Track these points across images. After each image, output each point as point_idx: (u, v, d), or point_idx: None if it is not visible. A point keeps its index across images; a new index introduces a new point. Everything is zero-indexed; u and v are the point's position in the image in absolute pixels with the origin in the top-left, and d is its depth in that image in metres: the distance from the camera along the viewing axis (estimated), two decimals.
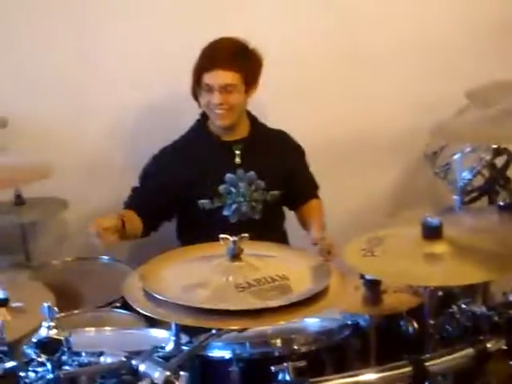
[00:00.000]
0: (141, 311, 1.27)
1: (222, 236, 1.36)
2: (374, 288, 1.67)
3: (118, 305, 2.11)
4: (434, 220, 1.53)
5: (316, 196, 2.54)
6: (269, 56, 2.35)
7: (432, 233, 1.54)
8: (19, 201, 2.47)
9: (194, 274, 1.38)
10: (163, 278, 1.34)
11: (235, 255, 1.36)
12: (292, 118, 2.61)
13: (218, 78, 2.23)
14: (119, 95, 2.64)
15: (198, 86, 2.30)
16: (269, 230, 2.29)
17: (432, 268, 1.53)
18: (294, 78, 2.72)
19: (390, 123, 2.87)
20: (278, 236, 2.40)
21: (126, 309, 2.05)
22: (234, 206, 2.35)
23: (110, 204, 2.46)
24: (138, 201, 2.35)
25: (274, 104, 2.66)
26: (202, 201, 2.34)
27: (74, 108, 2.63)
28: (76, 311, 2.00)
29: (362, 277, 1.67)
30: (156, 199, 2.33)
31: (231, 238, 1.35)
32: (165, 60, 2.62)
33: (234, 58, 2.24)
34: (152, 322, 1.96)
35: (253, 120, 2.45)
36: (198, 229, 2.37)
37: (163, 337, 1.73)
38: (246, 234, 1.37)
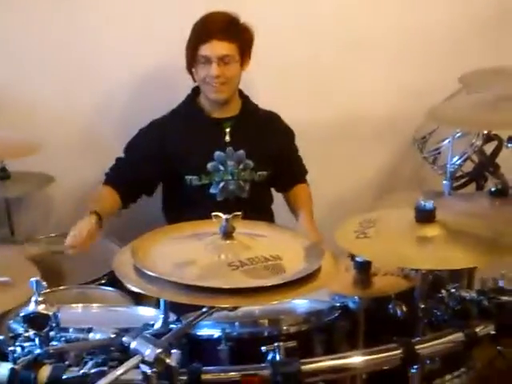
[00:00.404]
0: (131, 288, 1.25)
1: (214, 214, 1.35)
2: (364, 270, 1.67)
3: (103, 281, 2.10)
4: (427, 204, 1.52)
5: (304, 181, 2.54)
6: (258, 38, 2.32)
7: (425, 216, 1.54)
8: (4, 175, 2.44)
9: (186, 252, 1.36)
10: (154, 255, 1.32)
11: (227, 233, 1.34)
12: (281, 99, 2.59)
13: (215, 48, 2.21)
14: (108, 70, 2.60)
15: (193, 61, 2.27)
16: (256, 209, 2.27)
17: (424, 251, 1.52)
18: (283, 59, 2.70)
19: (378, 107, 2.88)
20: (265, 216, 2.39)
21: (111, 286, 2.04)
22: (221, 184, 2.34)
23: (97, 180, 2.43)
24: (120, 173, 2.35)
25: (264, 86, 2.63)
26: (190, 177, 2.32)
27: (61, 83, 2.59)
28: (61, 287, 1.97)
29: (353, 258, 1.67)
30: (139, 172, 2.31)
31: (224, 216, 1.33)
32: (156, 34, 2.58)
33: (228, 29, 2.22)
34: (138, 300, 1.96)
35: (244, 99, 2.43)
36: (184, 205, 2.36)
37: (150, 315, 1.73)
38: (239, 212, 1.35)
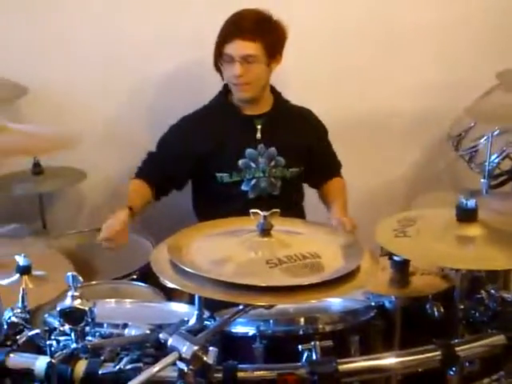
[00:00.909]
0: (169, 284, 1.24)
1: (252, 210, 1.33)
2: (401, 269, 1.64)
3: (134, 277, 2.10)
4: (469, 202, 1.49)
5: (339, 175, 2.51)
6: (292, 32, 2.29)
7: (467, 215, 1.50)
8: (37, 170, 2.45)
9: (223, 248, 1.34)
10: (191, 251, 1.31)
11: (265, 230, 1.32)
12: (312, 96, 2.57)
13: (238, 48, 2.18)
14: (139, 66, 2.61)
15: (220, 58, 2.25)
16: (287, 206, 2.23)
17: (465, 251, 1.49)
18: (315, 55, 2.68)
19: (411, 103, 2.84)
20: (296, 213, 2.37)
21: (142, 281, 2.04)
22: (252, 182, 2.32)
23: (127, 175, 2.43)
24: (152, 167, 2.35)
25: (296, 82, 2.61)
26: (221, 174, 2.31)
27: (93, 79, 2.60)
28: (94, 282, 1.98)
29: (391, 257, 1.64)
30: (170, 168, 2.31)
31: (262, 213, 1.31)
32: (187, 31, 2.58)
33: (255, 28, 2.19)
34: (169, 296, 1.96)
35: (276, 95, 2.41)
36: (216, 203, 2.35)
37: (183, 311, 1.72)
38: (277, 210, 1.33)
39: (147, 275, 2.11)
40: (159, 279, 2.16)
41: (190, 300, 1.79)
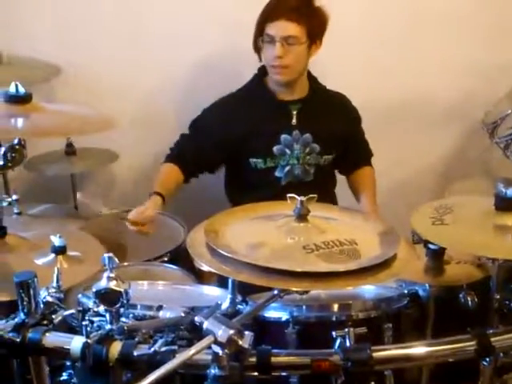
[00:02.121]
0: (206, 267, 1.24)
1: (289, 195, 1.32)
2: (436, 257, 1.62)
3: (165, 259, 2.11)
4: (509, 191, 1.46)
5: (369, 164, 2.49)
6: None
7: (506, 204, 1.47)
8: (70, 150, 2.47)
9: (259, 233, 1.34)
10: (228, 235, 1.30)
11: (302, 216, 1.31)
12: (346, 83, 2.53)
13: (280, 28, 2.16)
14: (174, 50, 2.60)
15: (260, 38, 2.22)
16: (320, 193, 2.23)
17: (503, 240, 1.47)
18: (347, 38, 2.64)
19: (445, 88, 2.79)
20: (329, 200, 2.35)
21: (173, 263, 2.05)
22: (286, 168, 2.31)
23: (158, 158, 2.43)
24: (185, 150, 2.34)
25: (328, 66, 2.58)
26: (255, 160, 2.30)
27: (127, 61, 2.60)
28: (126, 263, 1.99)
29: (426, 245, 1.62)
30: (203, 151, 2.30)
31: (299, 198, 1.30)
32: (222, 16, 2.56)
33: (298, 10, 2.16)
34: (199, 279, 1.96)
35: (313, 81, 2.38)
36: (248, 188, 2.34)
37: (215, 294, 1.72)
38: (314, 195, 1.32)
39: (178, 258, 2.13)
40: (189, 262, 2.19)
41: (220, 283, 1.80)
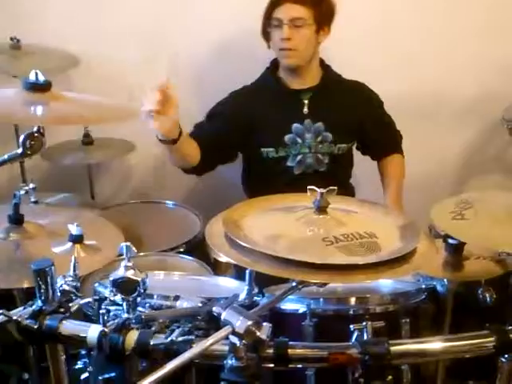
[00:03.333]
0: (223, 258, 1.23)
1: (309, 187, 1.31)
2: (456, 252, 1.60)
3: (181, 250, 2.11)
4: None
5: (397, 150, 2.48)
6: (345, 7, 2.27)
7: None
8: (87, 140, 2.47)
9: (278, 224, 1.33)
10: (246, 226, 1.29)
11: (321, 208, 1.30)
12: (365, 77, 2.51)
13: (287, 10, 2.18)
14: (188, 39, 2.60)
15: (268, 24, 2.24)
16: (335, 183, 2.22)
17: None
18: (368, 30, 2.62)
19: (467, 83, 2.78)
20: (346, 191, 2.34)
21: (189, 254, 2.05)
22: (298, 157, 2.30)
23: None
24: (200, 137, 2.31)
25: (349, 58, 2.56)
26: (266, 149, 2.29)
27: (143, 52, 2.60)
28: (142, 253, 1.99)
29: (445, 240, 1.60)
30: (217, 140, 2.26)
31: (319, 190, 1.29)
32: (235, 2, 2.55)
33: None
34: (214, 270, 1.96)
35: (325, 69, 2.37)
36: (262, 178, 2.34)
37: (231, 286, 1.72)
38: (335, 187, 1.31)
39: (193, 249, 2.13)
40: (205, 253, 2.19)
41: (237, 275, 1.80)
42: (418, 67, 2.71)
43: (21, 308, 1.33)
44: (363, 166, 2.50)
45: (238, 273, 1.78)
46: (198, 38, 2.60)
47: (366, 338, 1.35)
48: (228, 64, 2.64)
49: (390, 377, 1.30)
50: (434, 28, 2.68)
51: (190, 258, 2.00)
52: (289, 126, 2.28)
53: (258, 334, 1.15)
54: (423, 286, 1.62)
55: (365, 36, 2.61)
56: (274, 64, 2.34)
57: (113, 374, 1.50)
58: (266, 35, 2.27)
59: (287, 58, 2.25)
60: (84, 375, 1.64)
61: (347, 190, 2.41)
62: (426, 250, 1.28)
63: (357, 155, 2.48)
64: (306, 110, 2.30)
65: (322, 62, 2.36)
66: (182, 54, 2.62)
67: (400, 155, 2.47)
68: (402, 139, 2.49)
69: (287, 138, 2.29)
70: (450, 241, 1.58)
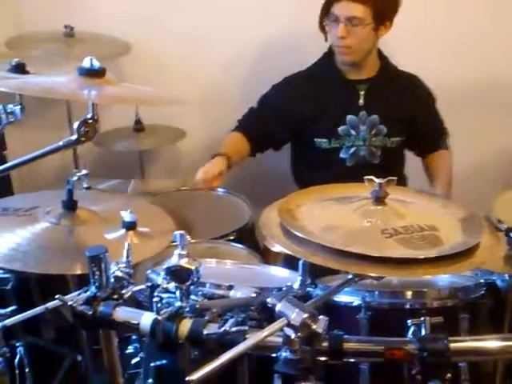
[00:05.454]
0: (280, 248, 1.21)
1: (366, 177, 1.27)
2: None
3: (231, 238, 2.09)
4: None
5: (445, 146, 2.40)
6: None
7: None
8: (139, 127, 2.48)
9: (334, 215, 1.30)
10: (302, 216, 1.27)
11: (380, 199, 1.26)
12: (418, 60, 2.45)
13: (344, 8, 2.12)
14: (241, 29, 2.59)
15: (326, 18, 2.18)
16: (387, 175, 2.19)
17: None
18: (421, 18, 2.54)
19: None
20: (398, 183, 2.29)
21: (238, 243, 2.03)
22: (352, 150, 2.27)
23: (224, 136, 2.42)
24: (252, 122, 2.34)
25: (401, 46, 2.49)
26: (319, 139, 2.27)
27: (195, 40, 2.60)
28: (192, 241, 1.98)
29: (507, 234, 1.54)
30: (270, 126, 2.29)
31: (377, 180, 1.25)
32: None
33: None
34: (264, 259, 1.94)
35: (384, 60, 2.31)
36: (313, 169, 2.32)
37: (283, 275, 1.70)
38: (394, 178, 1.27)
39: (243, 237, 2.12)
40: (254, 241, 2.18)
41: (287, 264, 1.77)
42: (470, 52, 2.64)
43: (75, 293, 1.34)
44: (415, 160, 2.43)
45: (288, 262, 1.76)
46: (252, 29, 2.58)
47: (423, 333, 1.30)
48: (282, 55, 2.62)
49: (449, 375, 1.25)
50: (491, 10, 2.59)
51: (240, 246, 1.98)
52: (343, 118, 2.25)
53: (314, 327, 1.13)
54: (482, 281, 1.56)
55: (420, 19, 2.53)
56: (332, 51, 2.29)
57: (164, 362, 1.50)
58: (323, 28, 2.22)
59: (342, 55, 2.22)
60: (135, 360, 1.65)
61: (400, 182, 2.35)
62: (491, 244, 1.23)
63: None
64: (361, 101, 2.26)
65: (380, 52, 2.30)
66: (235, 45, 2.60)
67: (447, 150, 2.41)
68: (449, 136, 2.41)
69: (341, 129, 2.25)
70: None
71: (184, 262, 1.30)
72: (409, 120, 2.32)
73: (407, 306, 1.47)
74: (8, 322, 1.48)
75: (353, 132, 2.25)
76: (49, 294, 1.37)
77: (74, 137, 1.51)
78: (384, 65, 2.30)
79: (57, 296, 1.29)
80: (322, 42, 2.27)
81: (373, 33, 2.16)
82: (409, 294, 1.48)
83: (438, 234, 1.21)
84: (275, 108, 2.30)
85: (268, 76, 2.43)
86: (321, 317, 1.13)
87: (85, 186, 2.09)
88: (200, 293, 1.44)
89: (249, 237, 2.18)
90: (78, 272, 1.46)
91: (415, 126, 2.33)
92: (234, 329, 1.25)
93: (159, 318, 1.27)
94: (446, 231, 1.23)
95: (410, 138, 2.35)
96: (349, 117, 2.25)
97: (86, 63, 1.49)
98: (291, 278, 1.55)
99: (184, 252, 1.31)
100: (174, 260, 1.31)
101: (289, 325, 1.13)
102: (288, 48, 2.61)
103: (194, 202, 2.39)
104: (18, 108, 1.59)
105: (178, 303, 1.31)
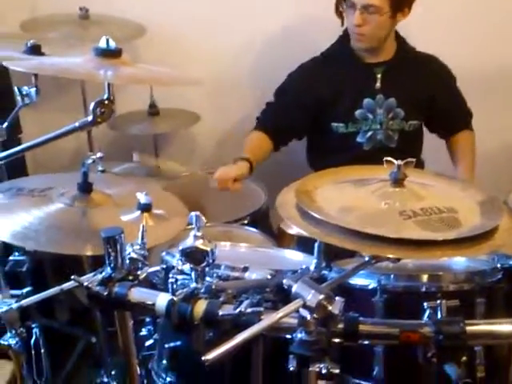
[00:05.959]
0: (294, 230, 1.20)
1: (386, 159, 1.26)
2: None
3: (245, 222, 2.09)
4: None
5: (467, 126, 2.38)
6: None
7: None
8: (153, 111, 2.48)
9: (352, 197, 1.28)
10: (319, 198, 1.26)
11: (398, 180, 1.25)
12: (441, 45, 2.41)
13: None
14: (255, 16, 2.57)
15: (342, 3, 2.16)
16: (405, 159, 2.18)
17: None
18: (449, 6, 2.52)
19: None
20: (416, 166, 2.27)
21: (253, 226, 2.03)
22: (369, 133, 2.25)
23: (239, 120, 2.41)
24: (272, 118, 2.31)
25: (424, 31, 2.46)
26: (336, 124, 2.25)
27: (210, 24, 2.59)
28: (207, 224, 1.97)
29: None
30: (290, 116, 2.27)
31: (396, 162, 1.24)
32: None
33: None
34: (278, 243, 1.93)
35: (400, 42, 2.28)
36: (330, 153, 2.30)
37: (297, 259, 1.69)
38: (413, 159, 1.26)
39: (257, 220, 2.11)
40: (268, 225, 2.17)
41: (298, 247, 1.77)
42: (492, 39, 2.61)
43: (91, 274, 1.34)
44: (433, 143, 2.41)
45: (301, 246, 1.75)
46: (265, 15, 2.57)
47: (439, 316, 1.29)
48: (295, 39, 2.61)
49: (464, 358, 1.24)
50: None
51: (255, 229, 1.98)
52: (360, 101, 2.23)
53: (330, 308, 1.12)
54: (499, 266, 1.54)
55: (439, 11, 2.50)
56: (347, 34, 2.26)
57: (178, 343, 1.51)
58: (340, 13, 2.20)
59: (357, 42, 2.20)
60: (148, 342, 1.65)
61: (417, 167, 2.33)
62: (510, 227, 1.21)
63: (425, 132, 2.40)
64: (378, 84, 2.24)
65: (397, 34, 2.27)
66: (249, 29, 2.59)
67: (471, 131, 2.38)
68: (472, 117, 2.38)
69: (358, 113, 2.23)
70: None
71: (199, 244, 1.30)
72: (428, 100, 2.29)
73: (423, 290, 1.46)
74: (24, 302, 1.48)
75: (370, 116, 2.24)
76: (63, 276, 1.37)
77: (90, 118, 1.51)
78: (401, 46, 2.28)
79: (72, 277, 1.29)
80: (333, 29, 2.25)
81: (389, 20, 2.14)
82: (425, 277, 1.47)
83: (456, 216, 1.20)
84: (293, 95, 2.28)
85: (282, 61, 2.43)
86: (337, 298, 1.13)
87: (99, 169, 2.09)
88: (215, 275, 1.44)
89: (263, 221, 2.18)
90: (89, 253, 1.45)
91: (435, 105, 2.31)
92: (249, 310, 1.24)
93: (175, 298, 1.27)
94: (464, 214, 1.21)
95: (431, 118, 2.33)
96: (366, 100, 2.23)
97: (103, 43, 1.49)
98: (306, 262, 1.55)
99: (199, 234, 1.31)
100: (189, 241, 1.31)
101: (305, 306, 1.12)
102: (302, 33, 2.60)
103: (208, 187, 2.38)
104: (33, 90, 1.58)
105: (194, 284, 1.31)
